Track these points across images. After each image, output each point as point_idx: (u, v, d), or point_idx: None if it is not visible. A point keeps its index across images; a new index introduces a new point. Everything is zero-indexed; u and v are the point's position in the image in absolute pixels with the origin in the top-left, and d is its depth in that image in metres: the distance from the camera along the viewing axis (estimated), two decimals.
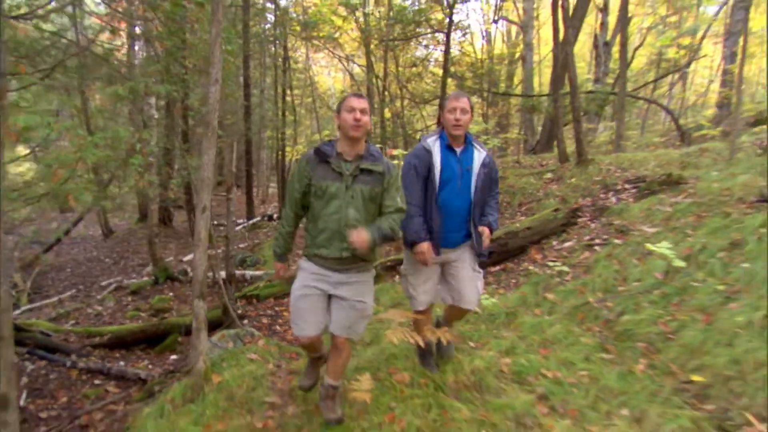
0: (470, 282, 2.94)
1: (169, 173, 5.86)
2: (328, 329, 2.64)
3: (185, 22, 5.62)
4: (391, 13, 10.36)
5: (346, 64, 16.55)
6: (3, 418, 2.41)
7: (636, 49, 15.80)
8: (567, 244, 5.51)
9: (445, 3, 9.41)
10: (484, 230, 2.82)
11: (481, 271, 3.00)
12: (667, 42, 9.96)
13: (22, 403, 4.97)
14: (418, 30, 10.31)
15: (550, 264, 5.10)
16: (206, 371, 3.09)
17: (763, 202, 4.68)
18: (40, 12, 4.28)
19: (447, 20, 9.78)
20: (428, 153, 2.77)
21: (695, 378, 2.80)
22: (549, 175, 8.40)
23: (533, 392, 2.94)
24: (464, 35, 11.81)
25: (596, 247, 5.07)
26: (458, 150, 2.82)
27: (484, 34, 19.97)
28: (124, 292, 8.87)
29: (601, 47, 13.26)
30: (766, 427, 2.16)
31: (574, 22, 12.89)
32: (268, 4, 13.51)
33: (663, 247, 3.66)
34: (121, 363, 5.99)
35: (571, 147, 8.35)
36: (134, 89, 4.63)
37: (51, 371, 5.79)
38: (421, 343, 2.90)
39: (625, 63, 8.95)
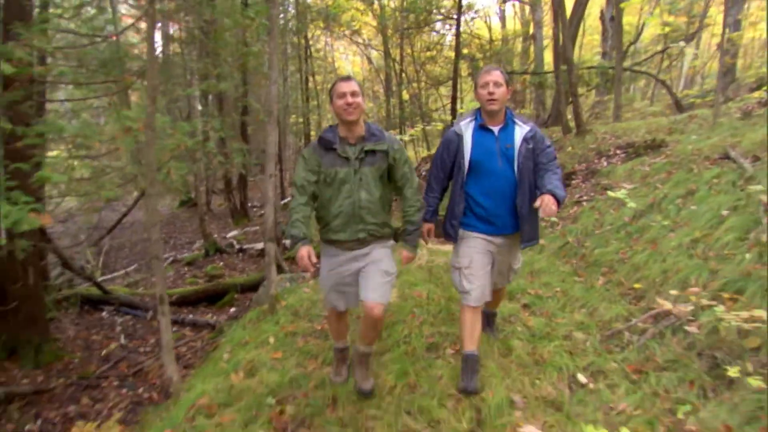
0: (510, 268, 2.91)
1: (226, 155, 6.94)
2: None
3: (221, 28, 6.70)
4: (405, 4, 11.23)
5: (364, 49, 17.43)
6: (162, 310, 3.55)
7: (650, 16, 16.24)
8: None
9: None
10: (543, 198, 2.37)
11: (519, 265, 2.97)
12: (654, 20, 10.49)
13: (122, 341, 6.26)
14: (430, 17, 11.16)
15: (545, 218, 6.07)
16: (277, 295, 4.21)
17: (725, 158, 5.54)
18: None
19: (457, 5, 10.59)
20: (458, 137, 2.69)
21: (636, 285, 3.79)
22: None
23: (519, 303, 3.97)
24: (473, 19, 12.56)
25: (583, 203, 6.02)
26: (496, 128, 2.65)
27: (498, 12, 20.56)
28: (180, 264, 10.16)
29: (607, 22, 13.81)
30: (671, 303, 3.14)
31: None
32: None
33: (620, 194, 4.60)
34: (190, 316, 7.23)
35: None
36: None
37: (136, 323, 7.06)
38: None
39: (619, 38, 9.65)
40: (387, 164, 2.52)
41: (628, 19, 17.81)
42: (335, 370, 2.98)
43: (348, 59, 26.81)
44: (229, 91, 6.15)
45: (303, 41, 15.39)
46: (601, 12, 14.34)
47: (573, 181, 6.80)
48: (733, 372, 2.42)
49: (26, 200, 3.30)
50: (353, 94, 2.42)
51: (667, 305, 3.15)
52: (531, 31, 17.81)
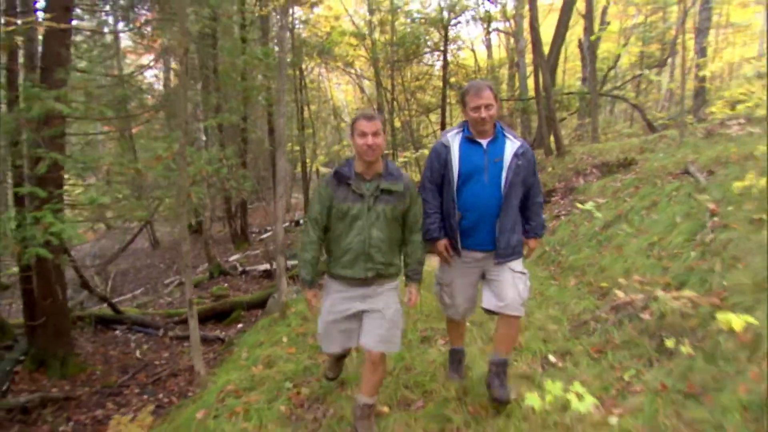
0: (511, 284, 2.67)
1: (236, 181, 7.51)
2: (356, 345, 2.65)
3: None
4: (395, 39, 12.05)
5: (356, 79, 18.28)
6: (191, 313, 4.03)
7: (623, 46, 17.22)
8: None
9: (440, 25, 11.06)
10: (530, 243, 2.71)
11: (525, 271, 2.74)
12: (620, 51, 11.29)
13: (138, 355, 6.69)
14: (418, 49, 11.98)
15: None
16: (287, 303, 4.72)
17: (685, 173, 6.17)
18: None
19: (443, 39, 11.40)
20: (446, 148, 2.65)
21: (603, 284, 4.35)
22: None
23: None
24: (459, 49, 13.40)
25: (561, 217, 6.61)
26: (484, 141, 2.61)
27: (484, 40, 21.61)
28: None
29: (585, 50, 14.71)
30: (623, 293, 3.69)
31: (560, 29, 14.46)
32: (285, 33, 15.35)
33: (588, 206, 5.19)
34: (201, 332, 7.66)
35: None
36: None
37: (149, 340, 7.49)
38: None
39: (593, 66, 10.46)
40: (404, 206, 2.49)
41: (607, 46, 18.84)
42: (328, 367, 3.08)
43: (341, 88, 27.81)
44: (233, 122, 6.76)
45: (298, 73, 16.20)
46: (579, 40, 15.24)
47: (553, 198, 7.41)
48: (669, 343, 2.96)
49: (71, 219, 3.82)
50: (375, 134, 2.37)
51: (625, 297, 3.70)
52: (516, 59, 18.82)
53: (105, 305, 8.23)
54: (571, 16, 14.91)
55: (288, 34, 10.01)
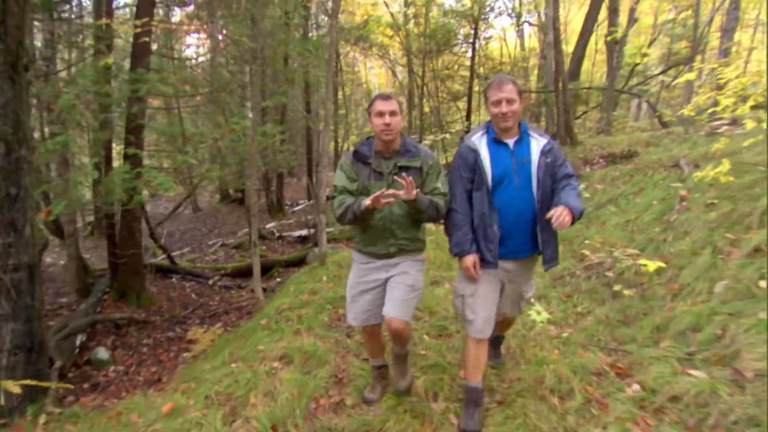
0: (516, 307, 2.76)
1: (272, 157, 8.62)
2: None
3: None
4: (428, 31, 12.91)
5: (390, 64, 19.16)
6: (254, 251, 5.14)
7: (650, 44, 17.64)
8: None
9: (471, 18, 11.88)
10: (557, 209, 2.24)
11: (532, 298, 2.79)
12: (633, 51, 11.78)
13: (194, 296, 7.94)
14: (448, 41, 12.82)
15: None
16: (326, 253, 5.82)
17: (675, 166, 6.99)
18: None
19: (473, 33, 12.21)
20: (473, 152, 2.50)
21: (583, 251, 5.30)
22: None
23: None
24: (486, 43, 14.16)
25: None
26: (510, 142, 2.50)
27: (517, 31, 22.15)
28: (228, 247, 11.91)
29: (612, 46, 15.24)
30: (598, 257, 4.64)
31: (587, 24, 15.04)
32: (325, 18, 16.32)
33: (581, 190, 6.09)
34: (244, 283, 8.90)
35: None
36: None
37: (200, 287, 8.75)
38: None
39: (611, 62, 11.14)
40: (421, 179, 2.51)
41: (639, 41, 19.23)
42: (371, 388, 2.93)
43: (373, 72, 28.69)
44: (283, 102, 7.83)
45: (335, 56, 17.20)
46: (606, 36, 15.77)
47: None
48: (617, 288, 3.94)
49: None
50: (392, 113, 2.41)
51: (596, 259, 4.67)
52: (544, 51, 19.39)
53: (163, 257, 9.53)
54: (599, 12, 15.45)
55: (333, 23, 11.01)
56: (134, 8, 6.64)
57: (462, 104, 16.00)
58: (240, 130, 5.23)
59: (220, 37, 7.16)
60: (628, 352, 3.14)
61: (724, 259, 3.80)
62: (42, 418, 3.05)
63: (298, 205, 17.52)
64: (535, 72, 19.97)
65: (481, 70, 14.42)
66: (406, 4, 12.88)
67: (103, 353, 5.24)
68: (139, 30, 5.47)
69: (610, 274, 4.48)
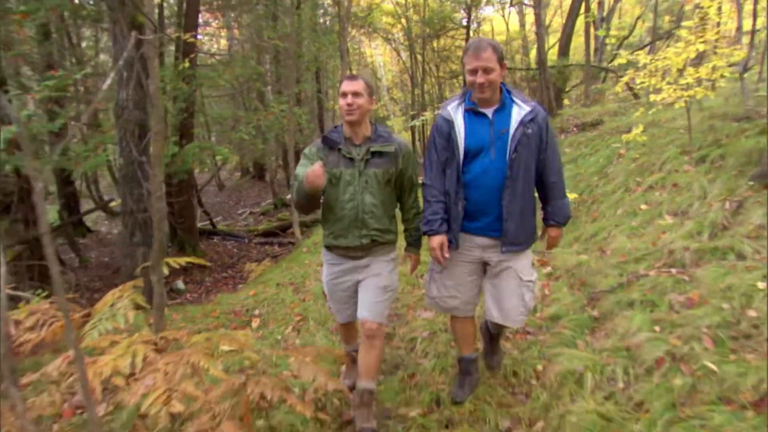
0: (515, 294, 2.45)
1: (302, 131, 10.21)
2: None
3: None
4: (425, 18, 14.31)
5: (394, 45, 20.55)
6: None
7: (637, 18, 18.82)
8: None
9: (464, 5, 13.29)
10: (549, 232, 2.33)
11: (532, 277, 2.49)
12: (602, 33, 12.90)
13: (235, 251, 9.68)
14: (444, 27, 14.24)
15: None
16: None
17: (628, 131, 8.47)
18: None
19: (467, 16, 13.59)
20: (448, 123, 2.32)
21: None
22: None
23: None
24: (479, 26, 15.51)
25: None
26: (489, 111, 2.28)
27: (517, 9, 23.34)
28: (256, 214, 13.66)
29: (597, 23, 16.47)
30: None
31: (575, 3, 16.26)
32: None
33: None
34: (275, 239, 10.63)
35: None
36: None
37: (238, 246, 10.48)
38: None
39: (588, 41, 12.55)
40: (396, 168, 2.44)
41: (625, 19, 20.35)
42: (345, 374, 2.98)
43: (378, 51, 30.00)
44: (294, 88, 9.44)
45: (346, 54, 18.67)
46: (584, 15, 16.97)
47: None
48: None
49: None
50: (355, 94, 2.32)
51: None
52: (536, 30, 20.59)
53: (206, 221, 11.29)
54: None
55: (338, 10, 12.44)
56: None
57: (460, 81, 17.42)
58: (277, 112, 6.79)
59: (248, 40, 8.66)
60: (550, 252, 4.77)
61: (629, 194, 5.39)
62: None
63: None
64: (535, 47, 21.20)
65: None
66: None
67: (180, 284, 6.98)
68: (188, 37, 7.06)
69: None
